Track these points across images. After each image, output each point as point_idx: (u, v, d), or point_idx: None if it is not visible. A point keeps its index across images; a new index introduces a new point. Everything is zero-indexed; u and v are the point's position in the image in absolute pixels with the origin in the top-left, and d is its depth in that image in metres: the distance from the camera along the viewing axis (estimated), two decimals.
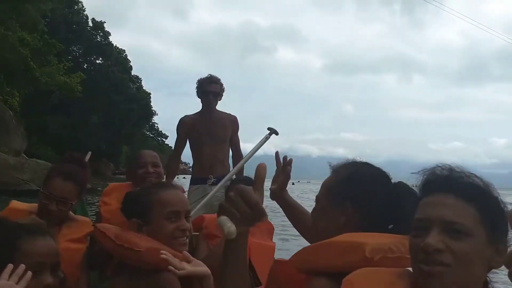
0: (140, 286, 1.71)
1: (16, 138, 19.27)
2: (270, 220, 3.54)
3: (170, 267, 1.67)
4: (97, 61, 42.81)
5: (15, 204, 2.31)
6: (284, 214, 2.12)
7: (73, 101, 27.74)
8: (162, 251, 1.70)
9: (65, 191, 2.12)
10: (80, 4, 39.41)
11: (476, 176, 1.06)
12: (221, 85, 4.03)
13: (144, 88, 51.09)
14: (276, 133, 3.50)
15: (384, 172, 1.44)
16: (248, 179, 2.53)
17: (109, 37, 43.36)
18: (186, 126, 4.02)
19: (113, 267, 1.85)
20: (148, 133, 63.08)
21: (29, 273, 1.33)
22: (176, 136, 4.10)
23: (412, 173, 1.13)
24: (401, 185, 1.40)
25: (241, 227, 1.04)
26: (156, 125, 65.27)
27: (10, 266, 1.32)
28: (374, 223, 1.30)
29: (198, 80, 4.04)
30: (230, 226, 1.02)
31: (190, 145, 4.10)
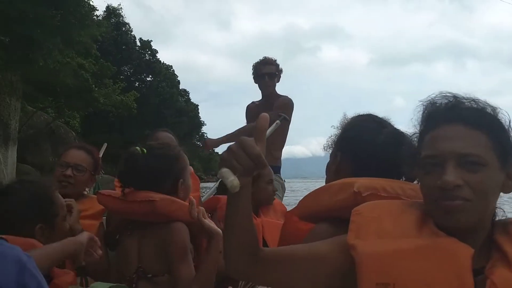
0: (153, 239, 1.78)
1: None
2: (285, 198, 3.74)
3: (194, 212, 1.76)
4: (147, 79, 44.75)
5: None
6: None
7: (126, 119, 29.12)
8: (190, 197, 1.81)
9: (79, 158, 2.16)
10: (127, 25, 41.35)
11: (480, 100, 1.01)
12: (277, 66, 3.77)
13: (192, 100, 52.84)
14: (286, 119, 3.60)
15: (381, 122, 1.39)
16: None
17: (157, 55, 45.27)
18: (249, 112, 3.90)
19: (121, 231, 1.90)
20: (198, 143, 64.87)
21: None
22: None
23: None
24: (393, 132, 1.35)
25: (243, 178, 0.99)
26: (205, 135, 66.98)
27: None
28: (367, 173, 1.25)
29: (252, 65, 3.81)
30: (233, 180, 0.97)
31: None
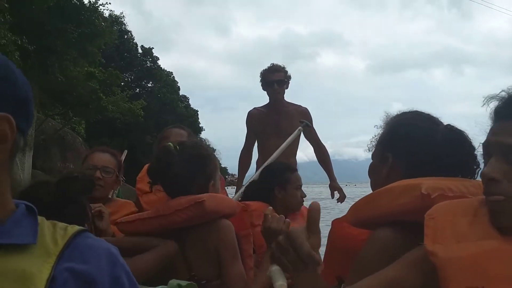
0: (199, 242, 1.68)
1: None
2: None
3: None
4: (148, 85, 45.41)
5: None
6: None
7: (129, 124, 29.67)
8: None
9: (105, 160, 2.18)
10: (130, 33, 42.07)
11: None
12: (286, 72, 3.68)
13: (191, 106, 53.45)
14: (308, 126, 3.60)
15: (432, 119, 1.34)
16: (281, 165, 2.65)
17: (158, 62, 45.95)
18: (252, 119, 3.79)
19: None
20: None
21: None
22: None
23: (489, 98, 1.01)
24: (450, 129, 1.29)
25: (295, 275, 0.95)
26: (204, 140, 67.66)
27: None
28: (423, 174, 1.19)
29: (260, 73, 3.71)
30: (281, 285, 0.90)
31: (256, 139, 3.84)
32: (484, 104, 1.00)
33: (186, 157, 1.74)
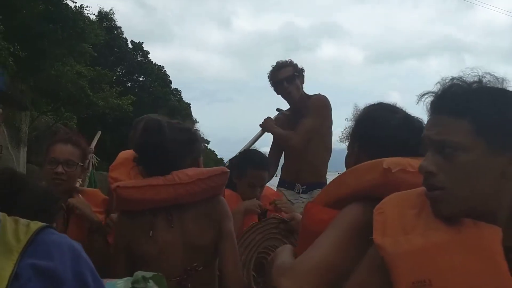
0: (201, 213, 1.65)
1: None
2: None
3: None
4: (140, 79, 46.03)
5: None
6: None
7: (121, 119, 30.41)
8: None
9: (67, 153, 2.06)
10: (119, 29, 42.61)
11: (481, 77, 0.96)
12: (295, 66, 3.15)
13: (184, 99, 54.16)
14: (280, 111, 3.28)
15: (392, 108, 1.39)
16: (250, 156, 2.47)
17: (148, 56, 46.59)
18: (278, 123, 3.32)
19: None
20: None
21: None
22: None
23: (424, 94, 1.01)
24: (406, 116, 1.34)
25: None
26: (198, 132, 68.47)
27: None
28: (386, 157, 1.23)
29: (267, 75, 3.26)
30: None
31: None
32: (419, 101, 1.02)
33: (177, 131, 1.67)
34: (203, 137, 1.83)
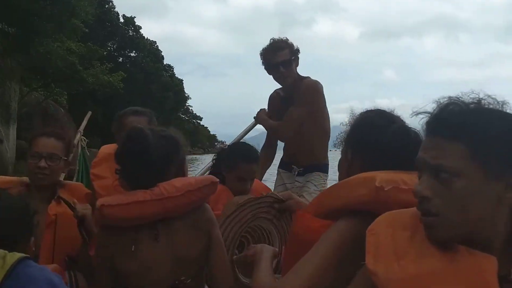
0: (188, 224, 1.61)
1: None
2: None
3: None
4: (131, 54, 45.68)
5: (1, 178, 2.15)
6: None
7: (113, 95, 30.35)
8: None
9: (51, 147, 2.04)
10: (111, 3, 41.92)
11: (477, 101, 0.93)
12: (291, 47, 2.97)
13: (176, 75, 53.96)
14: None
15: (389, 117, 1.38)
16: (240, 149, 2.41)
17: (140, 30, 46.11)
18: (271, 105, 3.22)
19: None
20: (183, 116, 66.36)
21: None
22: None
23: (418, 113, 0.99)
24: (402, 128, 1.32)
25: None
26: (190, 108, 68.62)
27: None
28: (378, 169, 1.23)
29: (260, 53, 3.05)
30: None
31: None
32: (412, 115, 1.01)
33: (161, 139, 1.61)
34: (186, 142, 1.80)
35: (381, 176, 1.16)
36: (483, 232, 0.90)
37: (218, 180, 1.71)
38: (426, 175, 0.92)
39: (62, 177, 2.29)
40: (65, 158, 2.11)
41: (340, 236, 1.17)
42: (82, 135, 3.56)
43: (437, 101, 0.96)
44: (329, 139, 3.12)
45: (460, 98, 0.94)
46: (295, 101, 2.98)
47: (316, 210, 1.33)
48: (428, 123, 0.96)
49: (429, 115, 0.96)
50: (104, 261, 1.59)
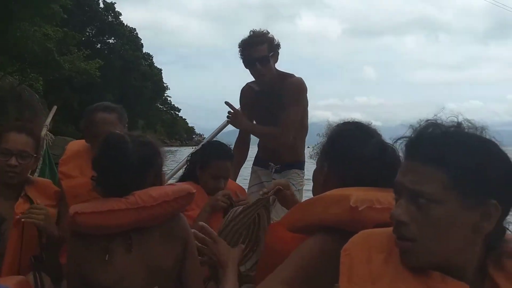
0: (163, 234, 1.58)
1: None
2: None
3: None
4: (109, 41, 44.94)
5: None
6: None
7: (90, 82, 29.94)
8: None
9: (21, 143, 1.94)
10: None
11: (458, 127, 0.93)
12: (270, 41, 2.82)
13: (155, 64, 53.38)
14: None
15: (368, 131, 1.37)
16: (214, 147, 2.38)
17: (120, 17, 45.37)
18: (244, 99, 3.08)
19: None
20: (161, 107, 65.83)
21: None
22: None
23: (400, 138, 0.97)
24: (380, 144, 1.30)
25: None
26: (169, 99, 68.10)
27: None
28: (355, 184, 1.23)
29: (238, 45, 2.89)
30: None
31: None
32: (394, 142, 1.00)
33: (140, 146, 1.58)
34: (163, 149, 1.75)
35: (356, 195, 1.16)
36: (457, 259, 0.90)
37: (195, 191, 1.69)
38: (404, 200, 0.91)
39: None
40: (35, 155, 2.03)
41: (312, 252, 1.17)
42: (48, 130, 3.42)
43: (415, 125, 0.96)
44: (306, 135, 3.09)
45: (438, 121, 0.94)
46: (285, 101, 2.84)
47: (290, 225, 1.33)
48: (407, 147, 0.95)
49: (408, 138, 0.96)
50: (75, 269, 1.55)
